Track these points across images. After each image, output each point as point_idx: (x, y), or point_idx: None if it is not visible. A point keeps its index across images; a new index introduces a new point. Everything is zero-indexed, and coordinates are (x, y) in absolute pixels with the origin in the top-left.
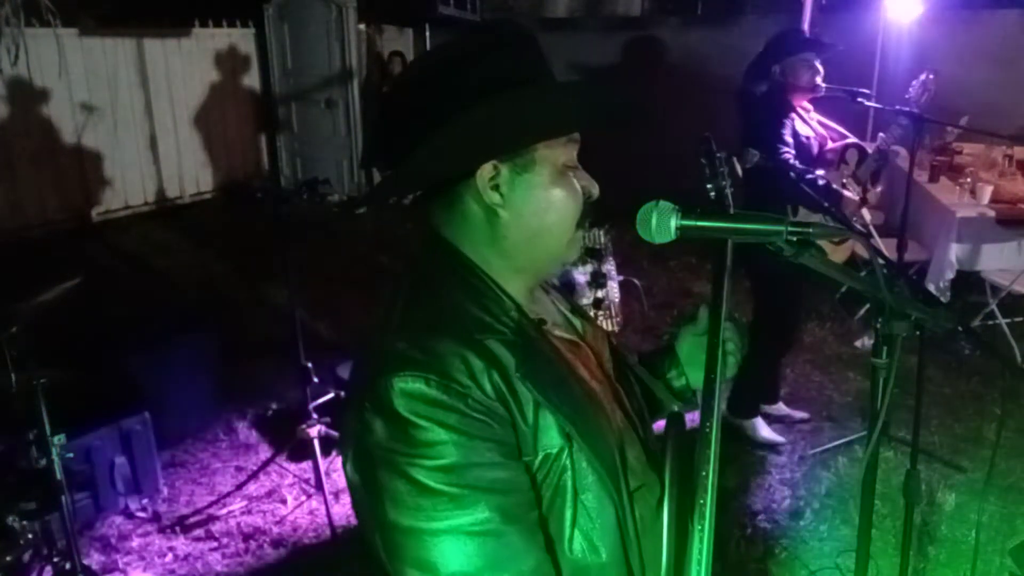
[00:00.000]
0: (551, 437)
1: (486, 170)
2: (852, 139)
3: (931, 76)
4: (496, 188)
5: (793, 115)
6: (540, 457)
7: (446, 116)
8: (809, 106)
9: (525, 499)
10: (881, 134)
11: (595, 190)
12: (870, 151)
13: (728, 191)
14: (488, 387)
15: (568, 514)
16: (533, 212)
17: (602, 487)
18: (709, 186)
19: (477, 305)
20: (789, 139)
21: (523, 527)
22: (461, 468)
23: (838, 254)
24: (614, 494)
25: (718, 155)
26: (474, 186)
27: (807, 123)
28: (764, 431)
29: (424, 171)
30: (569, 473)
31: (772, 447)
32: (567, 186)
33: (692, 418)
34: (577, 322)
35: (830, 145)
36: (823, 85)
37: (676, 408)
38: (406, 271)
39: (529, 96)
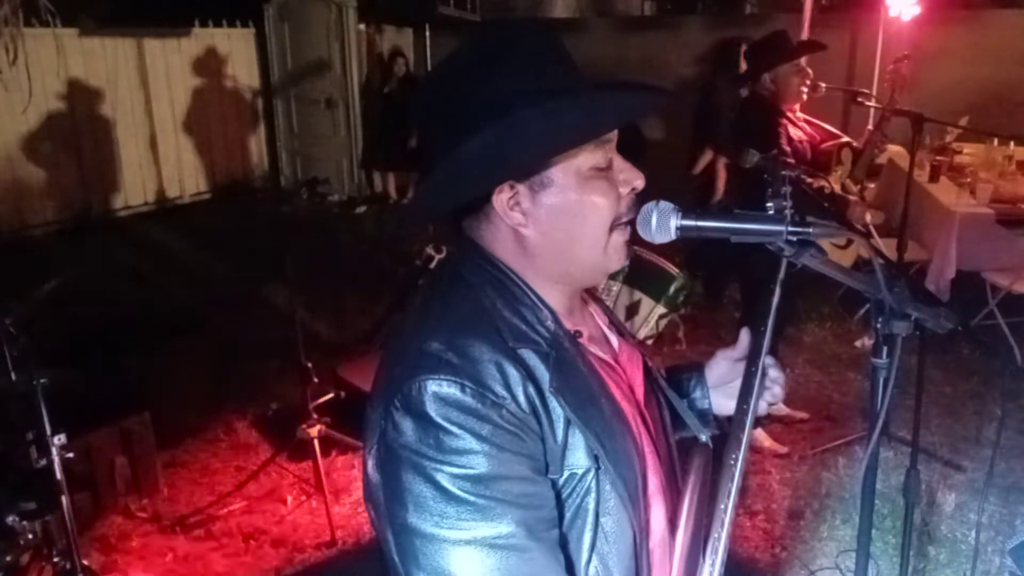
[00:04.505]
0: (578, 457)
1: (503, 191)
2: (845, 138)
3: (902, 62)
4: (517, 207)
5: (784, 120)
6: (566, 476)
7: (452, 142)
8: (795, 106)
9: (549, 516)
10: (869, 127)
11: (638, 182)
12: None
13: (788, 212)
14: (522, 399)
15: (587, 537)
16: (560, 226)
17: (623, 512)
18: (769, 204)
19: (513, 312)
20: (786, 147)
21: (546, 545)
22: (489, 479)
23: (846, 258)
24: (634, 520)
25: (784, 174)
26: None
27: (797, 126)
28: (767, 442)
29: (439, 197)
30: (593, 495)
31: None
32: (596, 191)
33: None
34: (614, 339)
35: (823, 146)
36: (822, 85)
37: (704, 439)
38: (440, 271)
39: (532, 116)
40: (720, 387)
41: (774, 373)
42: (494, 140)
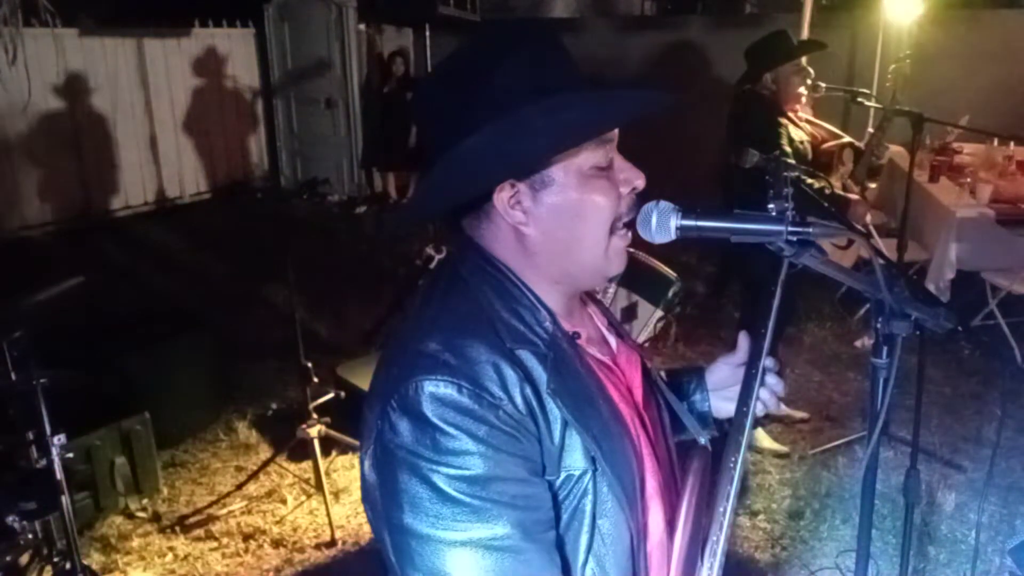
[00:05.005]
0: (575, 459)
1: (504, 190)
2: (846, 139)
3: (904, 63)
4: (518, 205)
5: (785, 121)
6: (562, 477)
7: (452, 140)
8: (797, 107)
9: (546, 517)
10: (870, 129)
11: (639, 181)
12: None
13: (789, 214)
14: (519, 400)
15: (584, 539)
16: (561, 225)
17: (620, 514)
18: (771, 206)
19: (511, 312)
20: (787, 148)
21: (542, 546)
22: (485, 480)
23: (846, 259)
24: (631, 522)
25: (785, 175)
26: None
27: (799, 126)
28: (767, 442)
29: (439, 195)
30: (589, 497)
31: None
32: (597, 190)
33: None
34: (613, 341)
35: (825, 146)
36: (822, 85)
37: (703, 441)
38: (440, 270)
39: (533, 113)
40: (720, 391)
41: (772, 380)
42: (494, 138)
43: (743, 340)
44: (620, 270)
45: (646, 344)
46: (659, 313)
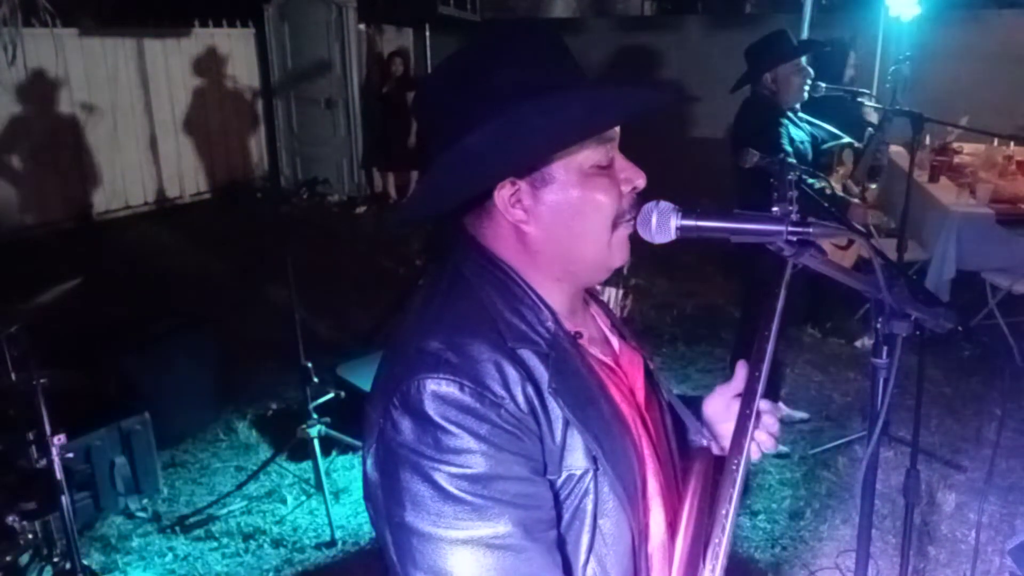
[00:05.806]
0: (577, 458)
1: (504, 188)
2: (846, 139)
3: (904, 64)
4: (519, 203)
5: (785, 120)
6: (564, 477)
7: (453, 137)
8: (796, 107)
9: (547, 517)
10: (869, 129)
11: (640, 181)
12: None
13: (794, 216)
14: (521, 399)
15: (585, 539)
16: (562, 223)
17: (622, 514)
18: (775, 209)
19: (513, 312)
20: (788, 147)
21: (543, 545)
22: (487, 479)
23: (846, 259)
24: (632, 523)
25: (788, 178)
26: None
27: (799, 127)
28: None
29: (440, 193)
30: (591, 497)
31: None
32: (597, 188)
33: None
34: (615, 341)
35: (825, 146)
36: (822, 85)
37: (705, 442)
38: (442, 269)
39: (533, 111)
40: (714, 425)
41: (768, 420)
42: (494, 135)
43: (740, 370)
44: (623, 261)
45: (625, 313)
46: (615, 291)
